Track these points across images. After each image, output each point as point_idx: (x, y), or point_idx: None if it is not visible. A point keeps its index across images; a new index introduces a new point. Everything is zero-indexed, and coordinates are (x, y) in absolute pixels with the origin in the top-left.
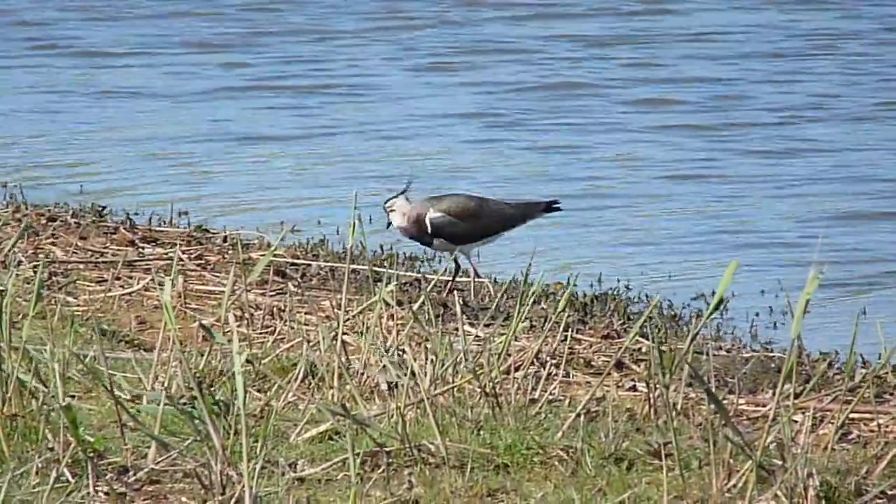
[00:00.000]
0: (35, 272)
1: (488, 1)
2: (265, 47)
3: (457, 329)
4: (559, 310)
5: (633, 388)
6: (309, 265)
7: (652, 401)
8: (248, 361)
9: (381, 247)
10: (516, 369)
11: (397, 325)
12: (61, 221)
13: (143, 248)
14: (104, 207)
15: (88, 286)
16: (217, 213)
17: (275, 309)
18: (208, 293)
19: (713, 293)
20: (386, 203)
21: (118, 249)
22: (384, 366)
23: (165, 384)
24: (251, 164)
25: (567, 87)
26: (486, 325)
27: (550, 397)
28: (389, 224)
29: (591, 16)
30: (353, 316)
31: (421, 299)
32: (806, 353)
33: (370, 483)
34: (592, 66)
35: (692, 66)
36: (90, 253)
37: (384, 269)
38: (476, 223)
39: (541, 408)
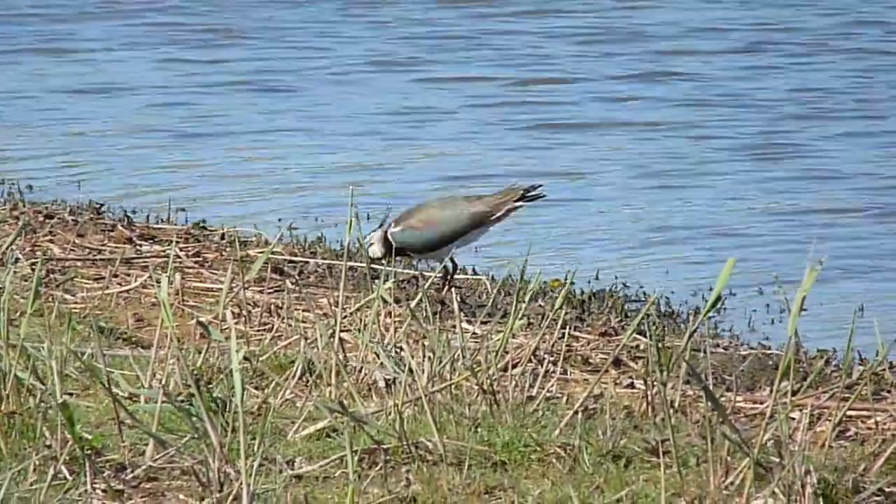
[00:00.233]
0: (33, 269)
1: None
2: (257, 40)
3: (454, 326)
4: (556, 307)
5: (631, 386)
6: (307, 262)
7: (649, 398)
8: (245, 359)
9: None
10: (514, 366)
11: (395, 322)
12: (59, 219)
13: (140, 245)
14: (102, 205)
15: (86, 283)
16: (214, 210)
17: (272, 306)
18: (206, 290)
19: (711, 290)
20: (365, 240)
21: (116, 247)
22: (382, 363)
23: (163, 381)
24: (250, 160)
25: (555, 82)
26: (484, 323)
27: (548, 394)
28: (371, 260)
29: (581, 11)
30: (351, 313)
31: (418, 296)
32: (803, 350)
33: (368, 480)
34: (584, 61)
35: (688, 61)
36: (88, 250)
37: (382, 267)
38: (437, 230)
39: (538, 405)
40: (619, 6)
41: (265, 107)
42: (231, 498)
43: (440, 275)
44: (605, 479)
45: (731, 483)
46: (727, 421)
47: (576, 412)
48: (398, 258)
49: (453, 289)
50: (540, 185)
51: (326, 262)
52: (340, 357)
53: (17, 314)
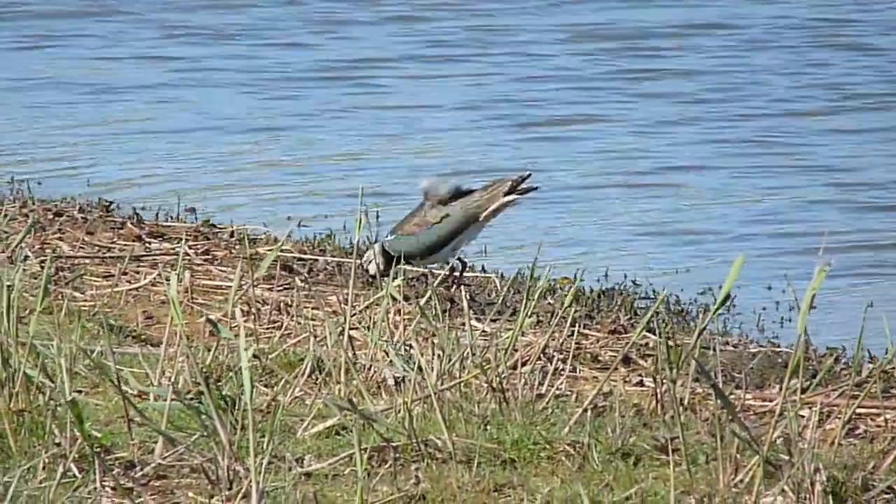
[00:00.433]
0: (42, 267)
1: None
2: (269, 36)
3: (464, 324)
4: (566, 305)
5: (640, 384)
6: (316, 260)
7: (659, 396)
8: (254, 356)
9: None
10: (523, 364)
11: (404, 320)
12: (68, 216)
13: (150, 243)
14: (111, 202)
15: (95, 281)
16: (224, 208)
17: (282, 304)
18: (215, 288)
19: (720, 288)
20: (363, 259)
21: (125, 244)
22: (391, 361)
23: (172, 379)
24: (257, 158)
25: (566, 80)
26: (493, 321)
27: (557, 392)
28: (373, 278)
29: (586, 5)
30: (360, 311)
31: (428, 294)
32: (813, 347)
33: (377, 478)
34: (593, 60)
35: (694, 57)
36: (97, 248)
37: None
38: (431, 232)
39: (548, 403)
40: (620, 5)
41: (271, 103)
42: (240, 496)
43: (448, 272)
44: (614, 477)
45: (741, 481)
46: (736, 419)
47: (585, 410)
48: (404, 264)
49: (462, 287)
50: (528, 175)
51: (336, 259)
52: (350, 355)
53: (27, 312)
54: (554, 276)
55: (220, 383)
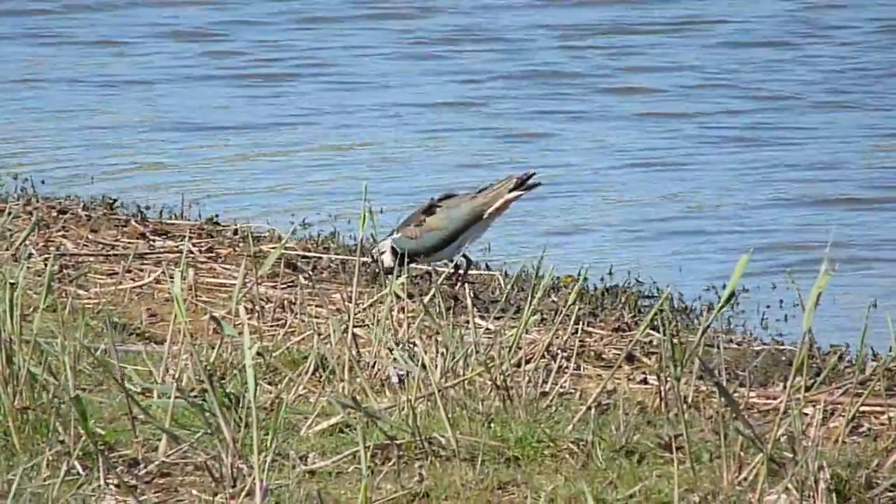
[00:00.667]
0: (46, 265)
1: None
2: (264, 34)
3: (467, 322)
4: (570, 302)
5: (644, 381)
6: (320, 258)
7: (663, 394)
8: (258, 354)
9: None
10: (527, 362)
11: (408, 317)
12: (72, 214)
13: (153, 240)
14: (115, 200)
15: (99, 279)
16: (228, 206)
17: (285, 302)
18: (219, 286)
19: (724, 286)
20: (375, 250)
21: (129, 242)
22: (395, 358)
23: (176, 377)
24: (260, 155)
25: (558, 76)
26: (497, 318)
27: (561, 390)
28: (388, 271)
29: (574, 4)
30: (364, 309)
31: (431, 292)
32: (816, 345)
33: (381, 476)
34: (581, 55)
35: (680, 52)
36: (101, 246)
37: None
38: (437, 230)
39: (551, 401)
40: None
41: (276, 101)
42: (244, 493)
43: (453, 269)
44: (618, 475)
45: (745, 478)
46: (740, 416)
47: (589, 408)
48: (410, 264)
49: (466, 284)
50: (534, 174)
51: (340, 257)
52: (353, 352)
53: (31, 309)
54: (557, 273)
55: (223, 381)
